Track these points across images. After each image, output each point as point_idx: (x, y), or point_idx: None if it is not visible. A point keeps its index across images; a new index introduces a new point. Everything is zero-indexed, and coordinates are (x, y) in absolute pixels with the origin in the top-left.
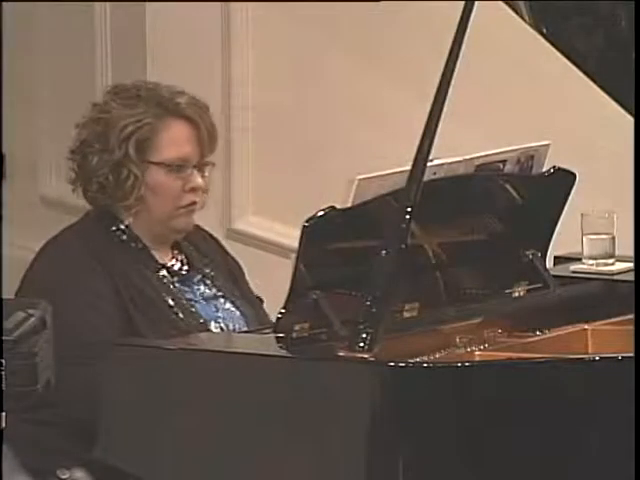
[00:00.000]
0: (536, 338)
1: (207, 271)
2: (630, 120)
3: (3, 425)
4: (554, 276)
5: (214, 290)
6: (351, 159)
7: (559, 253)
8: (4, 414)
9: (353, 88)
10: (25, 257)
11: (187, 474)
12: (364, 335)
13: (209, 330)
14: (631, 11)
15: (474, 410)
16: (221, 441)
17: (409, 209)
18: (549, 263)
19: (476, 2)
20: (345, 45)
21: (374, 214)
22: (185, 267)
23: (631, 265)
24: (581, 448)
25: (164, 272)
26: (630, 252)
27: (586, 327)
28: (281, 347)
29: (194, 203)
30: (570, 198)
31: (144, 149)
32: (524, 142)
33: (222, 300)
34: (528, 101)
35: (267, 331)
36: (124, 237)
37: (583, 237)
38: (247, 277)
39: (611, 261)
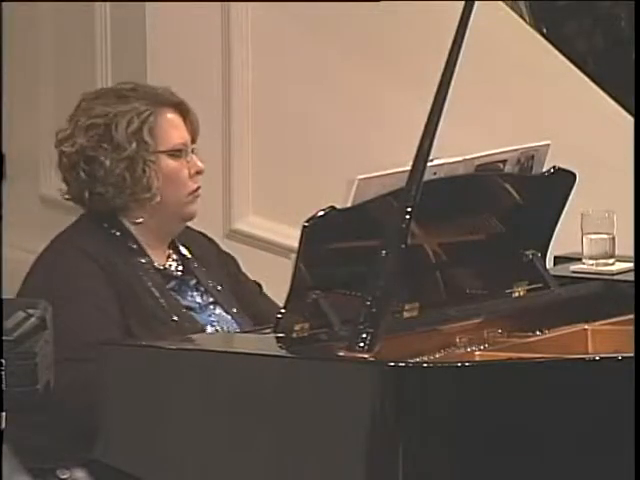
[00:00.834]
0: (536, 338)
1: (200, 276)
2: (630, 120)
3: (3, 425)
4: (554, 276)
5: (206, 297)
6: (351, 159)
7: (559, 253)
8: (4, 414)
9: (353, 88)
10: (25, 257)
11: (187, 474)
12: (364, 335)
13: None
14: (631, 11)
15: (474, 410)
16: (221, 441)
17: (409, 209)
18: (549, 263)
19: (476, 2)
20: (345, 45)
21: (374, 214)
22: (180, 268)
23: (631, 265)
24: (581, 448)
25: (161, 275)
26: (630, 252)
27: (586, 327)
28: (281, 347)
29: (199, 188)
30: (570, 198)
31: (153, 139)
32: (524, 142)
33: (212, 307)
34: (528, 101)
35: (267, 331)
36: (121, 239)
37: (583, 237)
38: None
39: (611, 261)
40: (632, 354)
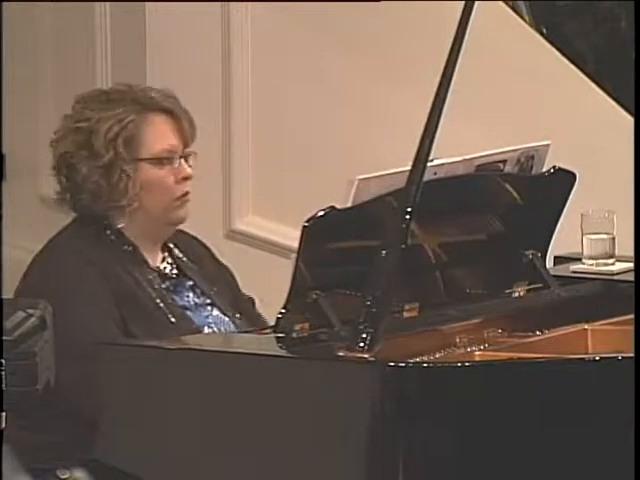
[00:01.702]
0: (536, 338)
1: (196, 278)
2: (630, 120)
3: (3, 425)
4: (554, 276)
5: (203, 298)
6: (351, 159)
7: (559, 253)
8: (4, 414)
9: (353, 88)
10: (25, 257)
11: (187, 474)
12: (364, 335)
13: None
14: (631, 11)
15: (474, 410)
16: (221, 441)
17: (409, 209)
18: (549, 263)
19: (476, 2)
20: (345, 45)
21: (374, 214)
22: (175, 270)
23: (631, 265)
24: (581, 448)
25: (156, 276)
26: (630, 252)
27: (586, 327)
28: (281, 347)
29: (187, 193)
30: (570, 198)
31: (132, 147)
32: (524, 142)
33: (210, 307)
34: (528, 101)
35: (267, 331)
36: (115, 241)
37: (583, 237)
38: (238, 280)
39: (611, 261)
40: (632, 354)
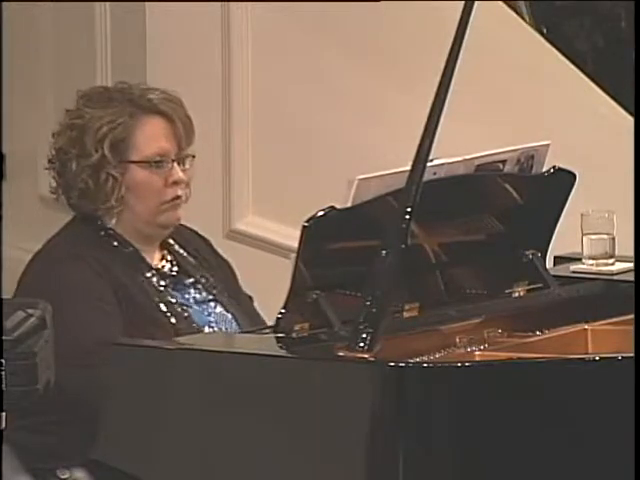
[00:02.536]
0: (536, 338)
1: (197, 274)
2: (630, 120)
3: (3, 425)
4: (554, 276)
5: (204, 294)
6: (351, 159)
7: (559, 253)
8: (4, 414)
9: (353, 88)
10: (25, 257)
11: (187, 474)
12: (364, 335)
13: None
14: (631, 11)
15: (474, 410)
16: (221, 441)
17: (409, 209)
18: (549, 263)
19: (476, 2)
20: (345, 45)
21: (374, 214)
22: (175, 268)
23: (631, 265)
24: (581, 448)
25: (155, 276)
26: (630, 252)
27: (586, 327)
28: (281, 347)
29: (178, 197)
30: (570, 198)
31: (120, 149)
32: (524, 142)
33: (213, 304)
34: (528, 101)
35: (267, 331)
36: (113, 242)
37: (583, 237)
38: (238, 275)
39: (611, 261)
40: (632, 354)
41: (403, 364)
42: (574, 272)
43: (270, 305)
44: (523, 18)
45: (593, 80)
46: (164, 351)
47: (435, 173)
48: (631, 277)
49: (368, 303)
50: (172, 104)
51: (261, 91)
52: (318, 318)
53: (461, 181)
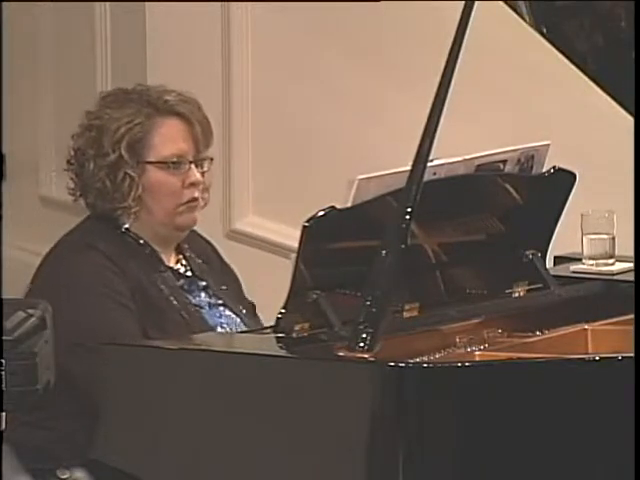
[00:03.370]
0: (536, 338)
1: (208, 279)
2: (630, 120)
3: (3, 425)
4: (554, 276)
5: (215, 298)
6: (351, 159)
7: (559, 253)
8: (4, 414)
9: (353, 88)
10: (25, 258)
11: (187, 474)
12: (364, 335)
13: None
14: (631, 11)
15: (474, 410)
16: (221, 441)
17: (409, 209)
18: (549, 263)
19: (476, 2)
20: (345, 45)
21: (374, 214)
22: (189, 272)
23: (631, 265)
24: (581, 448)
25: (170, 274)
26: (630, 252)
27: (586, 327)
28: (281, 347)
29: (195, 199)
30: (570, 198)
31: (138, 149)
32: (524, 142)
33: (222, 308)
34: (528, 101)
35: (267, 331)
36: (129, 240)
37: (583, 237)
38: (241, 282)
39: (611, 261)
40: (632, 354)
41: (403, 364)
42: (574, 272)
43: (270, 305)
44: (523, 18)
45: (593, 80)
46: (164, 351)
47: (435, 173)
48: (631, 277)
49: (368, 303)
50: (189, 106)
51: (261, 91)
52: (318, 318)
53: (461, 181)
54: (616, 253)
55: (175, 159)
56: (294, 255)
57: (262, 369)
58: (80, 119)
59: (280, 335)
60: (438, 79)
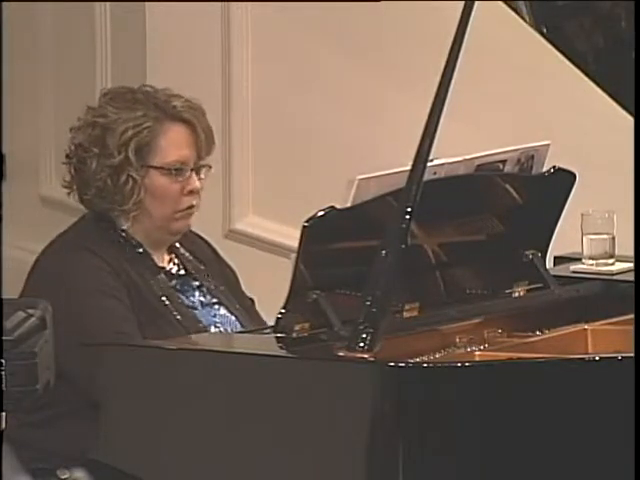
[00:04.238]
0: (536, 338)
1: (203, 278)
2: (630, 120)
3: (3, 425)
4: (554, 276)
5: (209, 297)
6: (351, 159)
7: (559, 253)
8: (4, 414)
9: (353, 88)
10: (25, 258)
11: (187, 474)
12: (364, 335)
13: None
14: (631, 11)
15: (474, 410)
16: (221, 441)
17: (409, 209)
18: (549, 263)
19: (476, 2)
20: (345, 45)
21: (374, 214)
22: (182, 271)
23: (631, 265)
24: (581, 448)
25: (163, 275)
26: (630, 252)
27: (586, 327)
28: (281, 347)
29: (192, 206)
30: (570, 198)
31: (143, 153)
32: (524, 142)
33: (217, 306)
34: (528, 101)
35: (267, 331)
36: (122, 239)
37: (583, 237)
38: (240, 280)
39: (611, 261)
40: (632, 354)
41: (403, 364)
42: (574, 272)
43: (270, 305)
44: (523, 18)
45: (593, 80)
46: (164, 351)
47: (435, 173)
48: (631, 277)
49: (368, 303)
50: (196, 113)
51: (261, 91)
52: (318, 318)
53: (461, 181)
54: (616, 253)
55: (178, 165)
56: (294, 255)
57: (262, 369)
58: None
59: (280, 335)
60: (438, 79)
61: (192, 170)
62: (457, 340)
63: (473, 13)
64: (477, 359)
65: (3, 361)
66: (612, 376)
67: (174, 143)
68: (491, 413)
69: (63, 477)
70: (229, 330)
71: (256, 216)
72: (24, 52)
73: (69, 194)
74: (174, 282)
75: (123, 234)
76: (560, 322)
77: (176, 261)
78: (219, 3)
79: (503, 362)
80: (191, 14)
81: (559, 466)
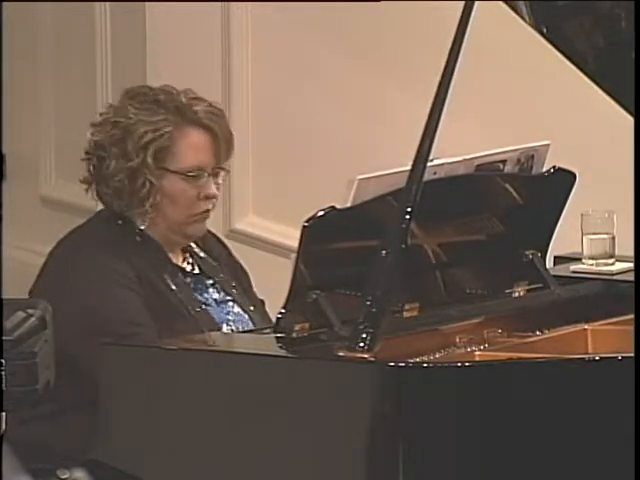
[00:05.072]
0: (536, 338)
1: (217, 276)
2: (630, 120)
3: (3, 426)
4: (554, 276)
5: (222, 294)
6: (351, 159)
7: (559, 253)
8: (4, 414)
9: (353, 88)
10: (25, 258)
11: (187, 474)
12: (364, 335)
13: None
14: (631, 11)
15: (474, 410)
16: (221, 441)
17: (409, 209)
18: (549, 263)
19: (476, 2)
20: (345, 45)
21: (374, 214)
22: (196, 270)
23: (631, 265)
24: (581, 448)
25: (178, 272)
26: (630, 252)
27: (586, 327)
28: (281, 347)
29: (207, 211)
30: (570, 198)
31: (162, 157)
32: (524, 142)
33: (231, 304)
34: (528, 101)
35: (267, 331)
36: (139, 238)
37: (583, 237)
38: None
39: (611, 261)
40: (632, 354)
41: (403, 364)
42: (574, 272)
43: (270, 305)
44: (523, 18)
45: (593, 80)
46: (165, 351)
47: (435, 173)
48: (631, 277)
49: (368, 303)
50: (216, 117)
51: (261, 91)
52: (318, 318)
53: (461, 181)
54: (616, 253)
55: (196, 171)
56: (294, 255)
57: (262, 369)
58: (80, 119)
59: (280, 335)
60: (438, 79)
61: (209, 175)
62: (457, 340)
63: (473, 13)
64: (477, 359)
65: (3, 361)
66: (612, 376)
67: (193, 148)
68: (491, 413)
69: (63, 477)
70: (241, 327)
71: (256, 216)
72: (24, 52)
73: (87, 190)
74: (188, 280)
75: (138, 233)
76: (560, 322)
77: (190, 260)
78: (219, 3)
79: (503, 362)
80: (191, 14)
81: (559, 466)
